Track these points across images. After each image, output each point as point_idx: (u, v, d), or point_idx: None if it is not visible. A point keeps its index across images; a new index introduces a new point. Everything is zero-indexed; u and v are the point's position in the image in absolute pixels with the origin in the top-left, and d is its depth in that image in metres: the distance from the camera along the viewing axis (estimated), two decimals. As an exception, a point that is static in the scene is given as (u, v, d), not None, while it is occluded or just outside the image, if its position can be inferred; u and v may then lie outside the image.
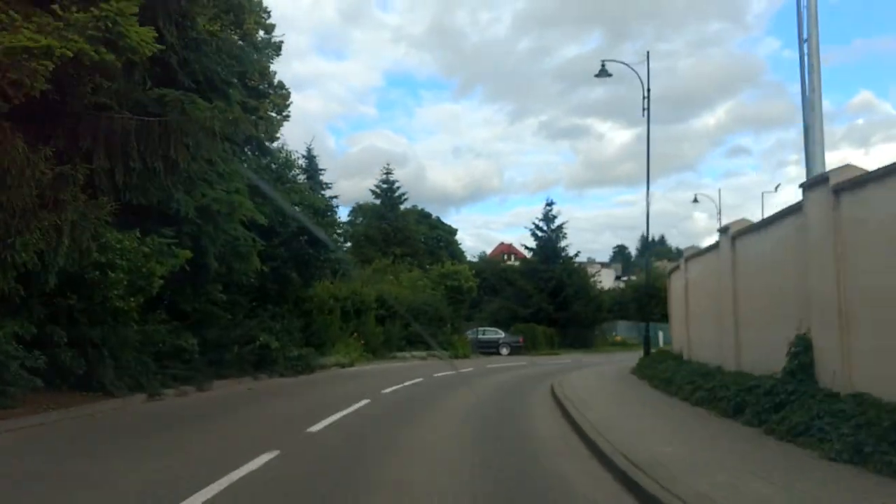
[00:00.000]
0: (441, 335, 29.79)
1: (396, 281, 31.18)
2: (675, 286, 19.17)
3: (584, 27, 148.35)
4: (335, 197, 27.53)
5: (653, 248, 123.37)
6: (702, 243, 21.19)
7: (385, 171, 48.18)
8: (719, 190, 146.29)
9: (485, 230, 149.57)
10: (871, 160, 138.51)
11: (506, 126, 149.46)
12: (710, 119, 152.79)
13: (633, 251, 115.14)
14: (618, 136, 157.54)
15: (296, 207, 18.82)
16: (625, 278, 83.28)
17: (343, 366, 21.61)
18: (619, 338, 62.82)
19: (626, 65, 21.80)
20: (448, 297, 32.56)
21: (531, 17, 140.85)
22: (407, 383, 15.94)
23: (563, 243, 45.39)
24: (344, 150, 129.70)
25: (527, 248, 45.97)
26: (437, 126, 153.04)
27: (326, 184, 28.41)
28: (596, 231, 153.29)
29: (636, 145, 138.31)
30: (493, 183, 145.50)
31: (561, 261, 45.01)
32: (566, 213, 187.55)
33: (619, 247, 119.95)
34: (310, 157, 29.66)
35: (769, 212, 14.56)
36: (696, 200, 43.07)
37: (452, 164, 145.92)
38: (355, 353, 23.52)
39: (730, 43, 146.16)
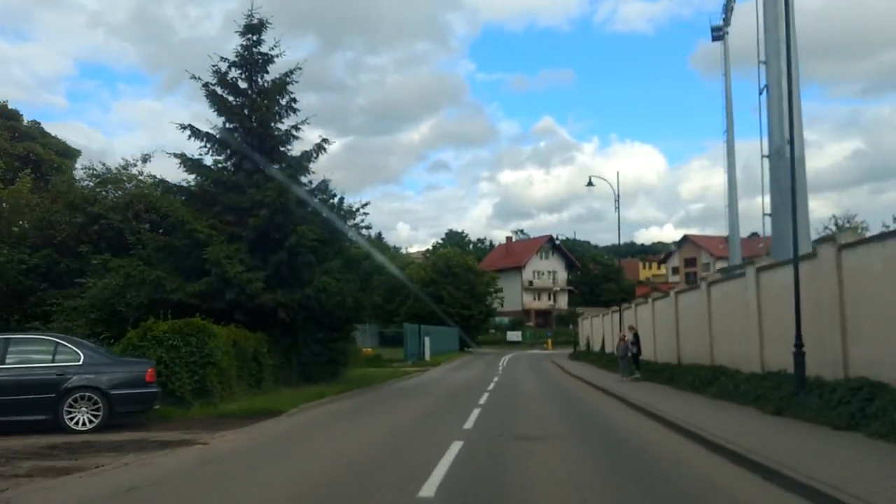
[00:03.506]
0: None
1: None
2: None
3: (298, 33, 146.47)
4: None
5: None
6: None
7: None
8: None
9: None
10: (550, 179, 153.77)
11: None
12: (415, 134, 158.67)
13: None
14: (328, 145, 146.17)
15: None
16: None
17: None
18: (369, 350, 38.46)
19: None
20: None
21: (243, 17, 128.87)
22: None
23: (288, 122, 18.95)
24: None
25: (194, 133, 18.19)
26: (137, 122, 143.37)
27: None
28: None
29: (345, 155, 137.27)
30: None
31: (285, 165, 18.54)
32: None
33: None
34: None
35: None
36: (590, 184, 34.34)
37: (153, 164, 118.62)
38: None
39: (434, 63, 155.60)
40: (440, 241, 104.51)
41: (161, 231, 19.08)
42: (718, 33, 48.88)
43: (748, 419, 10.58)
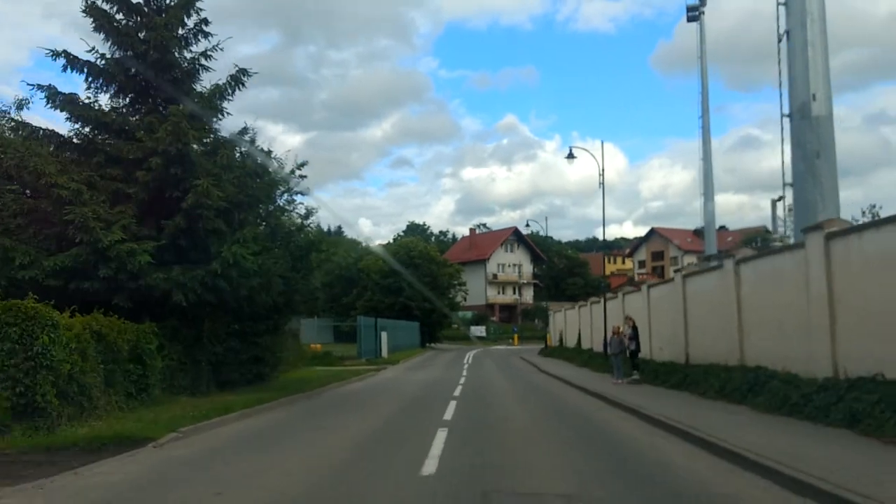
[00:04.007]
0: None
1: None
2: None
3: (261, 26, 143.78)
4: None
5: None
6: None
7: None
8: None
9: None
10: (512, 176, 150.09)
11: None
12: (378, 130, 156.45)
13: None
14: (289, 140, 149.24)
15: None
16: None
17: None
18: (318, 346, 34.08)
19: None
20: None
21: (206, 9, 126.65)
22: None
23: (197, 49, 14.44)
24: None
25: (70, 62, 13.61)
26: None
27: None
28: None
29: (307, 150, 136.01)
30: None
31: (197, 89, 14.05)
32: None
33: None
34: None
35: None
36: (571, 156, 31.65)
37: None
38: None
39: (397, 59, 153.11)
40: (401, 234, 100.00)
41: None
42: (694, 13, 45.72)
43: (880, 455, 6.71)
